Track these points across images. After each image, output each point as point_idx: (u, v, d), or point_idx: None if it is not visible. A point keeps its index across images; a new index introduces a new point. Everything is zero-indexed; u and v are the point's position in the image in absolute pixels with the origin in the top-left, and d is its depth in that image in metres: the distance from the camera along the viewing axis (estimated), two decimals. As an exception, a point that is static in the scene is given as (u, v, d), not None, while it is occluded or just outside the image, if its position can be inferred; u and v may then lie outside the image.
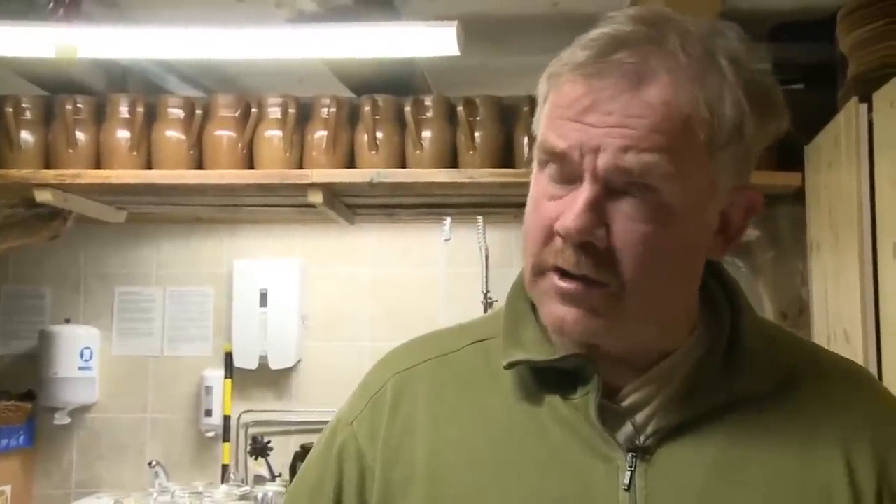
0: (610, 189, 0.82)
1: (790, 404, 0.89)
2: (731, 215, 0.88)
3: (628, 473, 0.85)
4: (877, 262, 1.83)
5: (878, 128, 1.83)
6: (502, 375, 0.93)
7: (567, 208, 0.82)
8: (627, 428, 0.88)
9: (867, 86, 1.91)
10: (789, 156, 2.56)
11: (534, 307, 0.93)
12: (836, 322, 2.10)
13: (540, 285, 0.86)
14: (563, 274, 0.84)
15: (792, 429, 0.88)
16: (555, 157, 0.84)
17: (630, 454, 0.86)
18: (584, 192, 0.81)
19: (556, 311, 0.85)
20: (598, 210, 0.81)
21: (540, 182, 0.87)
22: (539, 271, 0.86)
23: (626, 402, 0.89)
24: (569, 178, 0.83)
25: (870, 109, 1.87)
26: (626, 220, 0.82)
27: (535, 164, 0.88)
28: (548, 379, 0.91)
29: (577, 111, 0.82)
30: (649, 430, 0.88)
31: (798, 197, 2.54)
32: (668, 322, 0.89)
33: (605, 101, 0.81)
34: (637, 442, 0.87)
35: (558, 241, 0.83)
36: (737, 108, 0.82)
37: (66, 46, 2.34)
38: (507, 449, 0.89)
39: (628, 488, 0.85)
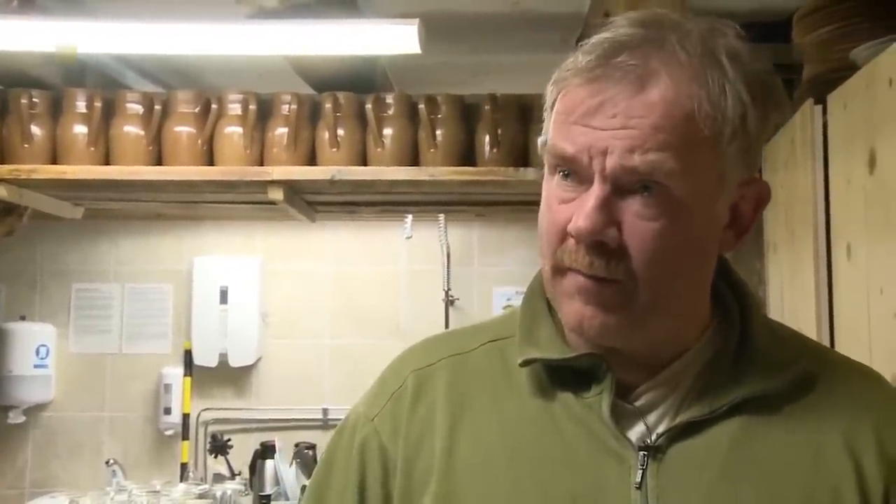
0: (619, 189, 0.83)
1: (801, 404, 0.90)
2: (741, 209, 0.89)
3: (640, 472, 0.86)
4: (831, 262, 1.86)
5: (831, 129, 1.85)
6: (517, 374, 0.94)
7: (578, 210, 0.84)
8: (640, 427, 0.89)
9: (822, 87, 1.93)
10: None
11: (550, 307, 0.95)
12: (792, 321, 2.13)
13: (561, 284, 0.88)
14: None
15: (802, 428, 0.88)
16: (564, 161, 0.85)
17: (642, 453, 0.87)
18: (593, 193, 0.83)
19: (576, 310, 0.86)
20: (608, 210, 0.83)
21: (551, 186, 0.88)
22: (558, 271, 0.87)
23: (640, 402, 0.90)
24: (579, 180, 0.85)
25: (824, 111, 1.89)
26: (636, 219, 0.83)
27: (545, 169, 0.90)
28: (562, 377, 0.92)
29: (583, 115, 0.84)
30: (661, 429, 0.89)
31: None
32: (682, 317, 0.91)
33: (609, 104, 0.82)
34: (649, 441, 0.88)
35: (571, 242, 0.85)
36: (739, 103, 0.84)
37: (66, 45, 2.30)
38: (520, 445, 0.90)
39: (640, 486, 0.86)
